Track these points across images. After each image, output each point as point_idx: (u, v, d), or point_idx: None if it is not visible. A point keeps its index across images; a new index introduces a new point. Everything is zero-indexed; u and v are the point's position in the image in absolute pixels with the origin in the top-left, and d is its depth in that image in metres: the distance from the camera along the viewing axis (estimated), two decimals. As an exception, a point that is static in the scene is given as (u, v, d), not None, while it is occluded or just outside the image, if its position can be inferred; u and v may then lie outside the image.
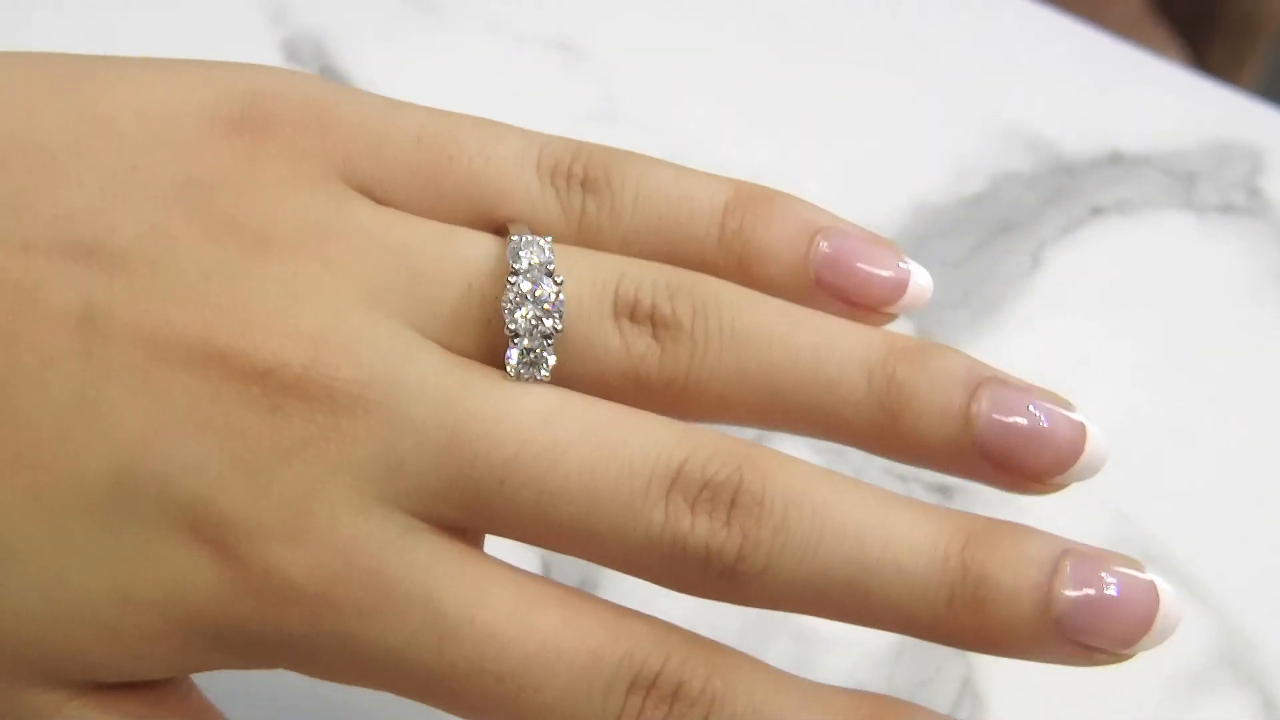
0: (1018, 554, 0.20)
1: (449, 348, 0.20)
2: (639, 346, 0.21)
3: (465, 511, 0.20)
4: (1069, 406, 0.21)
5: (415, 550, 0.19)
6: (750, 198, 0.22)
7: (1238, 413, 0.34)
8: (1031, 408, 0.20)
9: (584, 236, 0.22)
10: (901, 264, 0.22)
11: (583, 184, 0.22)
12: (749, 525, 0.19)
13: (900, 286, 0.22)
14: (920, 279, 0.22)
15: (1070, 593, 0.19)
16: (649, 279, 0.21)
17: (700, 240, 0.22)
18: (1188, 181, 0.39)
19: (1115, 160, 0.39)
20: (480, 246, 0.21)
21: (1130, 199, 0.38)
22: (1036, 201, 0.38)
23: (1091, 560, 0.20)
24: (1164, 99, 0.41)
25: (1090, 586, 0.20)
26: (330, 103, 0.22)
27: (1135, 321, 0.36)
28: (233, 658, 0.20)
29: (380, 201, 0.21)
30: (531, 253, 0.21)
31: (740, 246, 0.22)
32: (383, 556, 0.19)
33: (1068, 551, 0.20)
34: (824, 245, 0.22)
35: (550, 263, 0.21)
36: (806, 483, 0.20)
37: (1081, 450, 0.20)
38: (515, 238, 0.21)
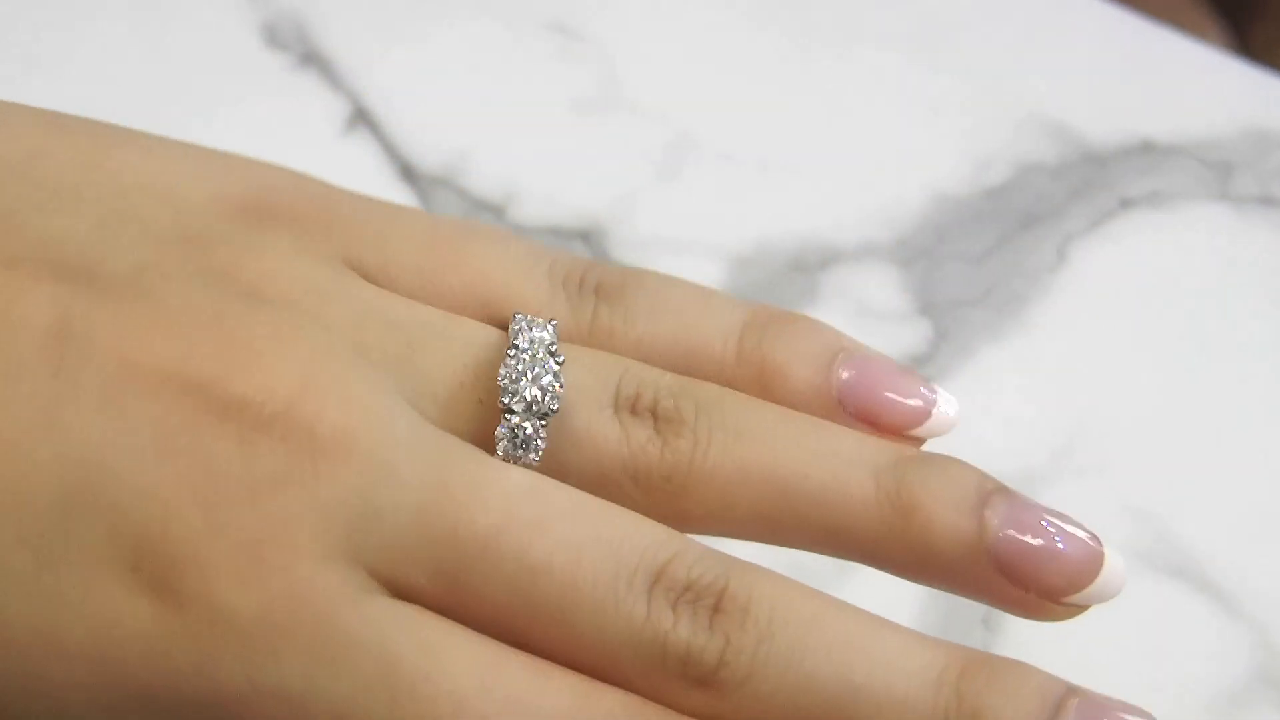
0: (1019, 687, 0.19)
1: (439, 427, 0.20)
2: (639, 437, 0.21)
3: (436, 579, 0.19)
4: (1080, 525, 0.21)
5: (372, 604, 0.19)
6: (771, 316, 0.23)
7: (1278, 418, 0.34)
8: (1044, 522, 0.20)
9: (595, 341, 0.22)
10: (926, 391, 0.22)
11: (596, 290, 0.22)
12: (733, 631, 0.19)
13: (924, 415, 0.22)
14: (945, 408, 0.22)
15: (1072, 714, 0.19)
16: (652, 378, 0.21)
17: (718, 355, 0.22)
18: (1223, 171, 0.39)
19: (1146, 149, 0.39)
20: (482, 332, 0.21)
21: (1162, 190, 0.38)
22: (1062, 193, 0.38)
23: (1100, 707, 0.19)
24: (1199, 84, 0.41)
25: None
26: (338, 202, 0.22)
27: (1167, 320, 0.36)
28: None
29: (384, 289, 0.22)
30: (535, 331, 0.21)
31: (760, 361, 0.22)
32: (337, 605, 0.19)
33: (1074, 691, 0.19)
34: (846, 369, 0.22)
35: (554, 343, 0.21)
36: (794, 596, 0.20)
37: (1100, 567, 0.20)
38: (519, 317, 0.21)
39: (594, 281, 0.22)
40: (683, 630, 0.19)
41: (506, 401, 0.20)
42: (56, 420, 0.19)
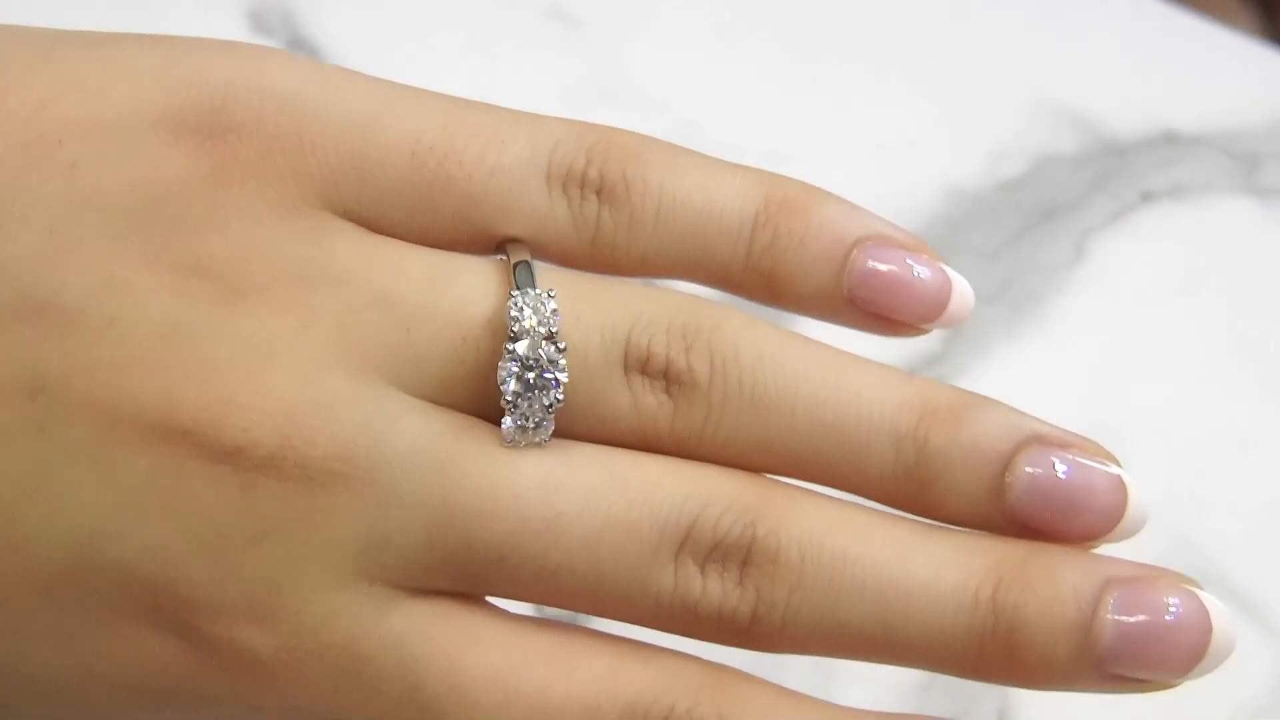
0: (1053, 591, 0.20)
1: (439, 403, 0.20)
2: (649, 405, 0.21)
3: (460, 584, 0.20)
4: (1109, 460, 0.21)
5: (393, 620, 0.19)
6: (783, 205, 0.22)
7: (1308, 419, 0.34)
8: (1070, 469, 0.20)
9: (598, 254, 0.22)
10: (941, 273, 0.22)
11: (599, 192, 0.21)
12: (763, 584, 0.20)
13: (941, 299, 0.22)
14: (961, 291, 0.22)
15: (1112, 628, 0.20)
16: (663, 323, 0.21)
17: (726, 259, 0.22)
18: (1250, 163, 0.38)
19: (1170, 140, 0.39)
20: (477, 287, 0.20)
21: (1186, 182, 0.38)
22: (1082, 185, 0.38)
23: (1137, 587, 0.20)
24: (1225, 71, 0.41)
25: (1136, 615, 0.20)
26: (309, 107, 0.21)
27: (1192, 318, 0.35)
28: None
29: (368, 227, 0.21)
30: (533, 310, 0.20)
31: (769, 266, 0.22)
32: (356, 631, 0.19)
33: (1111, 581, 0.20)
34: (859, 260, 0.22)
35: (554, 324, 0.20)
36: (825, 528, 0.20)
37: (1121, 514, 0.21)
38: (516, 294, 0.20)
39: (596, 179, 0.21)
40: (713, 592, 0.20)
41: (509, 399, 0.20)
42: (50, 485, 0.19)
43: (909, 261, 0.22)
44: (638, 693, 0.19)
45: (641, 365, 0.21)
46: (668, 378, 0.21)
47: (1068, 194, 0.37)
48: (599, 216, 0.21)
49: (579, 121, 0.22)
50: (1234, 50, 0.41)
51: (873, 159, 0.38)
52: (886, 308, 0.22)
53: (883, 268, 0.21)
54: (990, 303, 0.35)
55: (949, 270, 0.22)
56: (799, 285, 0.22)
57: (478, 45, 0.39)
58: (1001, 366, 0.34)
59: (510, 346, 0.20)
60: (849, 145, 0.38)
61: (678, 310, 0.21)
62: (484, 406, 0.20)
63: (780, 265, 0.22)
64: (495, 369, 0.20)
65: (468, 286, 0.20)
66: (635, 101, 0.38)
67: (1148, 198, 0.38)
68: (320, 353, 0.19)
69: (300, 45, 0.38)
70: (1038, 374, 0.34)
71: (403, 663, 0.19)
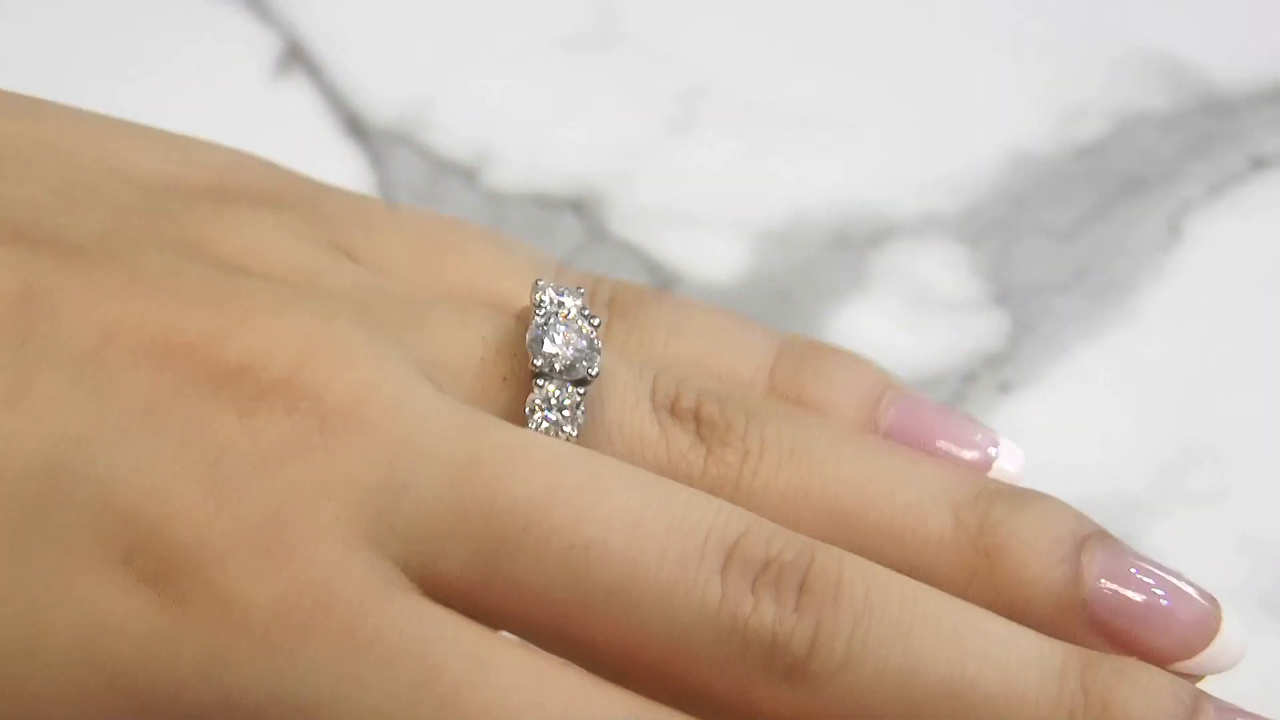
0: (1150, 682, 0.20)
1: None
2: (681, 443, 0.21)
3: (471, 566, 0.19)
4: (1192, 584, 0.22)
5: (406, 600, 0.19)
6: (807, 345, 0.23)
7: None
8: (1148, 577, 0.21)
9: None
10: (984, 439, 0.23)
11: (609, 305, 0.23)
12: (824, 612, 0.20)
13: (982, 468, 0.23)
14: (1006, 463, 0.23)
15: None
16: (692, 380, 0.22)
17: (747, 383, 0.23)
18: (1380, 124, 0.37)
19: (1283, 96, 0.38)
20: (495, 313, 0.22)
21: (1304, 147, 0.37)
22: (1177, 151, 0.37)
23: (1234, 714, 0.20)
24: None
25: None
26: (320, 191, 0.23)
27: (1311, 311, 0.34)
28: None
29: None
30: (562, 290, 0.21)
31: (796, 395, 0.23)
32: (366, 598, 0.19)
33: (1207, 695, 0.20)
34: (893, 409, 0.23)
35: (585, 305, 0.21)
36: (889, 577, 0.20)
37: (1213, 632, 0.21)
38: (542, 281, 0.22)
39: (606, 296, 0.23)
40: (765, 614, 0.19)
41: (539, 365, 0.21)
42: (28, 392, 0.19)
43: (948, 433, 0.23)
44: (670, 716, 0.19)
45: (670, 405, 0.22)
46: (699, 421, 0.21)
47: (1159, 161, 0.37)
48: (610, 324, 0.23)
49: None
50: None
51: (925, 122, 0.37)
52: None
53: (915, 429, 0.23)
54: (1065, 292, 0.35)
55: (997, 443, 0.23)
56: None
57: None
58: (1078, 368, 0.34)
59: (540, 311, 0.21)
60: (896, 105, 0.38)
61: (705, 378, 0.22)
62: (510, 416, 0.21)
63: (806, 397, 0.23)
64: (523, 353, 0.21)
65: (485, 309, 0.22)
66: (638, 52, 0.38)
67: (1258, 164, 0.37)
68: (341, 312, 0.20)
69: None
70: (1122, 378, 0.34)
71: (420, 648, 0.19)
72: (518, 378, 0.21)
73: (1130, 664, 0.20)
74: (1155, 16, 0.40)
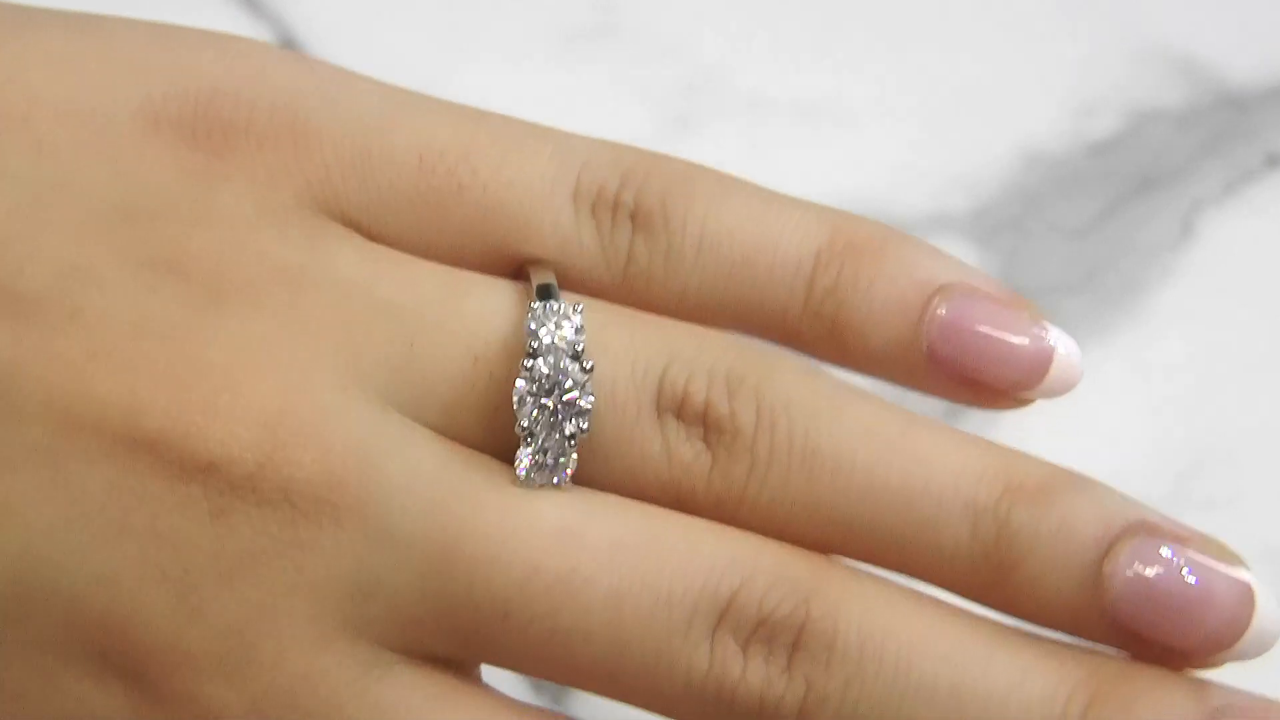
0: (1155, 717, 0.20)
1: (446, 435, 0.20)
2: (685, 454, 0.21)
3: (456, 645, 0.20)
4: (1234, 562, 0.21)
5: (381, 689, 0.19)
6: (851, 245, 0.22)
7: None
8: (1185, 569, 0.20)
9: (630, 287, 0.22)
10: (1041, 331, 0.22)
11: (632, 217, 0.22)
12: (815, 673, 0.20)
13: (1041, 364, 0.22)
14: (1066, 355, 0.22)
15: None
16: (705, 365, 0.21)
17: (782, 302, 0.22)
18: (1402, 120, 0.37)
19: (1301, 92, 0.38)
20: (491, 303, 0.21)
21: (1320, 144, 0.36)
22: (1191, 149, 0.37)
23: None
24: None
25: None
26: (307, 106, 0.21)
27: (1325, 312, 0.34)
28: None
29: (369, 236, 0.21)
30: (556, 327, 0.20)
31: (833, 312, 0.22)
32: (338, 699, 0.19)
33: (1220, 712, 0.20)
34: (942, 310, 0.22)
35: (579, 342, 0.20)
36: (891, 614, 0.20)
37: (1244, 628, 0.20)
38: (537, 305, 0.20)
39: (630, 203, 0.22)
40: (754, 678, 0.20)
41: (525, 425, 0.20)
42: None
43: (1002, 315, 0.22)
44: None
45: (677, 407, 0.21)
46: (706, 424, 0.21)
47: (1173, 158, 0.37)
48: (632, 245, 0.22)
49: (616, 142, 0.22)
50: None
51: (932, 114, 0.37)
52: (974, 368, 0.22)
53: (968, 320, 0.22)
54: (1075, 293, 0.35)
55: (1052, 328, 0.22)
56: (868, 336, 0.21)
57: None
58: (1088, 371, 0.32)
59: (528, 364, 0.20)
60: (906, 100, 0.37)
61: (723, 351, 0.21)
62: (497, 441, 0.20)
63: (845, 311, 0.21)
64: (510, 394, 0.20)
65: (481, 302, 0.21)
66: (640, 44, 0.38)
67: (1273, 162, 0.37)
68: (311, 362, 0.20)
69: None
70: (1132, 380, 0.34)
71: None
72: (508, 409, 0.20)
73: (1139, 690, 0.20)
74: (1169, 13, 0.39)
